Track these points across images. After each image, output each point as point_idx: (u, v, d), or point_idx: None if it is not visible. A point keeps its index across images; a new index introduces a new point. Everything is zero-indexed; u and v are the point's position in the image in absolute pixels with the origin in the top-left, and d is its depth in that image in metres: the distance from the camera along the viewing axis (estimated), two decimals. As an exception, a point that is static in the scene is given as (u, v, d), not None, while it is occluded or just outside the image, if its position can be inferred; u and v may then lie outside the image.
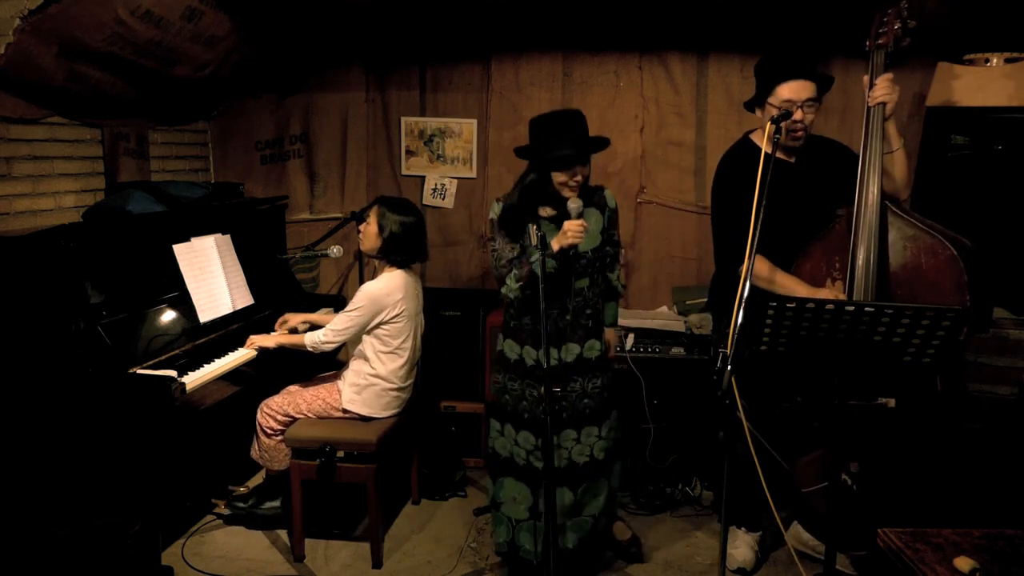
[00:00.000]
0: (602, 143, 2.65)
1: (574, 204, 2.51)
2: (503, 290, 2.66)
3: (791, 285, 2.52)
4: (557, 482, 2.66)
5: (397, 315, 2.93)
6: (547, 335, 2.39)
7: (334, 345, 2.95)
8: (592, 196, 2.73)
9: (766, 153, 2.28)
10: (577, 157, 2.55)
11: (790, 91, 2.51)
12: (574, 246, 2.53)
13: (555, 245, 2.53)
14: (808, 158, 2.67)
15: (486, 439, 3.82)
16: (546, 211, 2.67)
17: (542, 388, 2.64)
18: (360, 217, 3.15)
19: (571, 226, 2.50)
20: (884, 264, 2.40)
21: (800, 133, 2.57)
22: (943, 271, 2.30)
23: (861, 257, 2.38)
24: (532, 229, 2.44)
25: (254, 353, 3.07)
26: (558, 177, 2.58)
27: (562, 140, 2.55)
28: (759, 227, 2.09)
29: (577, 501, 2.74)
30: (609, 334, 2.90)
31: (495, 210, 2.70)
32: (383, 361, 2.97)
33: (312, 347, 2.96)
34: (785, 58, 2.56)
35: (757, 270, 2.15)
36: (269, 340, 3.09)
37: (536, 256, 2.46)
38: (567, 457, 2.72)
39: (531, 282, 2.56)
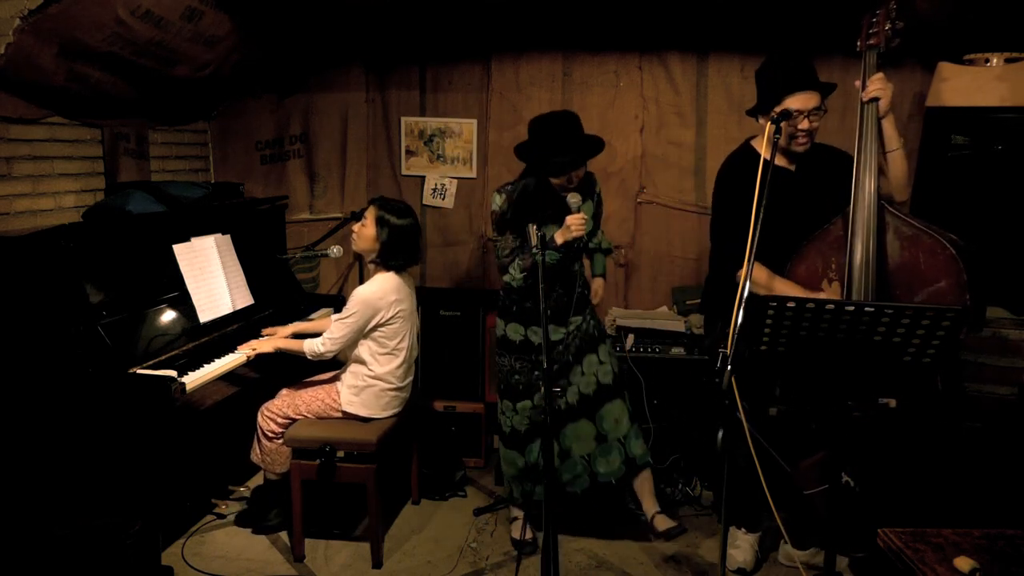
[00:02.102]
0: (597, 146, 2.77)
1: (574, 200, 2.66)
2: (505, 278, 2.83)
3: (790, 292, 2.52)
4: (575, 416, 2.94)
5: (393, 316, 2.93)
6: (547, 336, 2.39)
7: (332, 353, 2.95)
8: (584, 185, 2.86)
9: (765, 159, 2.28)
10: (572, 163, 2.70)
11: (797, 102, 2.51)
12: (579, 238, 2.68)
13: (559, 238, 2.68)
14: (809, 166, 2.67)
15: (486, 439, 3.85)
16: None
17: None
18: (359, 218, 3.15)
19: (573, 220, 2.65)
20: (882, 264, 2.39)
21: (805, 140, 2.57)
22: (942, 271, 2.29)
23: (859, 255, 2.37)
24: (532, 229, 2.44)
25: (253, 355, 3.06)
26: (555, 180, 2.73)
27: (558, 146, 2.67)
28: (759, 231, 2.09)
29: (600, 432, 2.94)
30: (596, 283, 3.19)
31: (496, 201, 2.84)
32: (380, 362, 2.97)
33: (311, 355, 2.96)
34: (790, 69, 2.55)
35: (755, 276, 2.15)
36: (267, 345, 3.08)
37: (537, 251, 2.57)
38: (577, 392, 2.92)
39: (533, 271, 2.72)
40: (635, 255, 4.05)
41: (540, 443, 2.91)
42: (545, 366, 2.36)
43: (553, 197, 2.76)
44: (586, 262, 3.22)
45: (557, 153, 2.66)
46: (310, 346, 2.95)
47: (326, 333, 2.94)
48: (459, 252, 4.25)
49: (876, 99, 2.38)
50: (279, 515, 3.18)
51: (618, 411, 2.98)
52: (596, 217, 3.06)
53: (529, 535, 3.03)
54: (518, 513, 3.15)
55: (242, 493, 3.34)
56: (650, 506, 3.06)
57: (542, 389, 2.81)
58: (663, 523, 3.00)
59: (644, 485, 3.07)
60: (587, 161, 2.80)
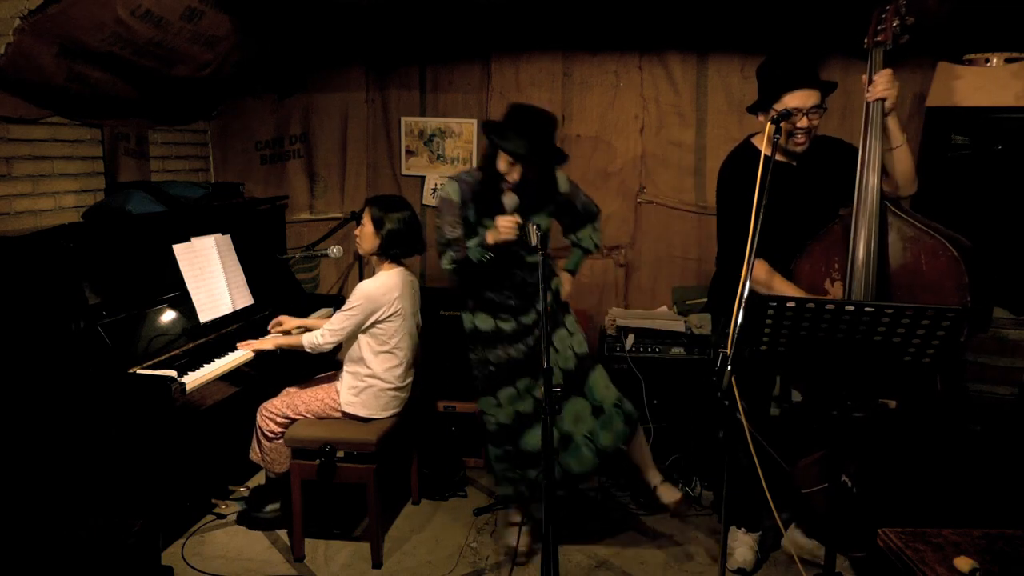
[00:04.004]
0: (549, 154, 2.68)
1: (508, 200, 2.63)
2: (441, 263, 2.82)
3: (788, 291, 2.52)
4: (565, 395, 2.82)
5: (393, 313, 2.93)
6: (547, 334, 2.39)
7: (332, 345, 2.96)
8: (542, 184, 2.77)
9: (766, 155, 2.28)
10: (517, 152, 2.61)
11: (796, 100, 2.50)
12: (509, 241, 2.63)
13: (489, 238, 2.65)
14: (809, 159, 2.67)
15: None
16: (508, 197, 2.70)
17: (521, 344, 2.87)
18: (359, 219, 3.16)
19: (501, 222, 2.61)
20: (884, 264, 2.39)
21: (803, 139, 2.57)
22: (944, 272, 2.29)
23: (861, 254, 2.37)
24: (532, 229, 2.44)
25: (252, 354, 3.06)
26: (500, 164, 2.67)
27: (519, 132, 2.60)
28: (759, 229, 2.09)
29: (593, 404, 2.87)
30: (564, 277, 3.04)
31: (446, 189, 2.82)
32: (379, 360, 2.97)
33: (310, 348, 2.96)
34: (790, 67, 2.55)
35: (756, 273, 2.14)
36: (267, 343, 3.09)
37: (472, 244, 2.67)
38: (559, 370, 2.85)
39: (464, 265, 2.73)
40: (635, 255, 4.05)
41: (536, 428, 2.83)
42: (545, 366, 2.36)
43: (500, 195, 2.70)
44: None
45: (516, 137, 2.59)
46: (310, 339, 2.96)
47: (326, 324, 2.94)
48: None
49: (883, 99, 2.38)
50: (276, 510, 3.18)
51: (603, 377, 2.92)
52: (572, 217, 2.94)
53: (525, 544, 2.97)
54: (515, 517, 3.08)
55: (242, 493, 3.34)
56: (653, 475, 3.02)
57: (523, 376, 2.83)
58: (669, 494, 2.97)
59: (642, 451, 3.02)
60: (532, 162, 2.67)
